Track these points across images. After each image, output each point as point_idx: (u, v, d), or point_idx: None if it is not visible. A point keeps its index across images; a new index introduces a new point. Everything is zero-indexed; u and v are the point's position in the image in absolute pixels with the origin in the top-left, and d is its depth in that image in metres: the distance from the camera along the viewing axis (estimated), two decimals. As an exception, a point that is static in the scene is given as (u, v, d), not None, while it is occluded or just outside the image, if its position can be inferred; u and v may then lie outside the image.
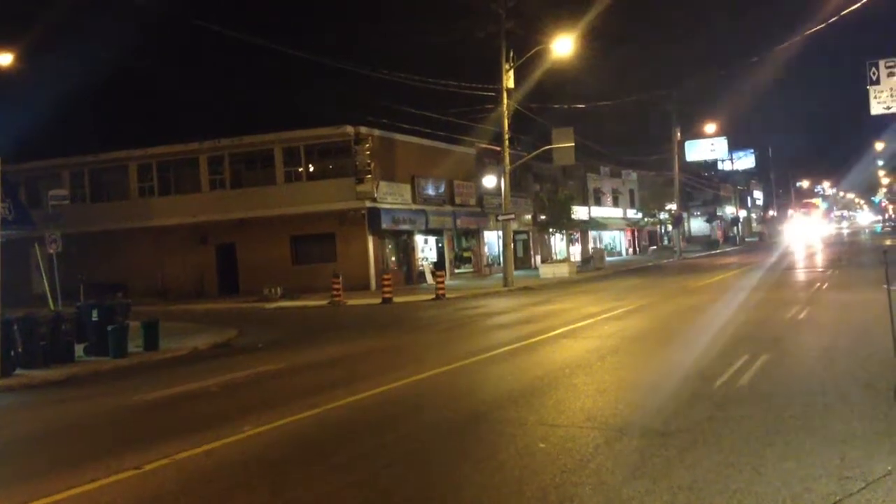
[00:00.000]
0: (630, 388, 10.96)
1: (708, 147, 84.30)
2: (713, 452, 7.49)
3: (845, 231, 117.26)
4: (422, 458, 8.08)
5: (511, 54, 34.97)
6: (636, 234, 75.60)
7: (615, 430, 8.49)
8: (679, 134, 63.98)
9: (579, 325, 18.91)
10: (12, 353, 15.04)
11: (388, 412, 10.30)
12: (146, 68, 47.48)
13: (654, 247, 71.26)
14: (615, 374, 12.23)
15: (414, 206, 40.95)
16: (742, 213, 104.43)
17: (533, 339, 16.47)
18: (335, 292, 30.54)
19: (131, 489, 7.50)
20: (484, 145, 44.33)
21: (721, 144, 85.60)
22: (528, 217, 52.59)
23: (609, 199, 69.91)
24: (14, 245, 23.97)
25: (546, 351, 15.17)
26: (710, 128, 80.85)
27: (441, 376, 12.71)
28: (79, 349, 16.99)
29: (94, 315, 17.36)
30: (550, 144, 36.44)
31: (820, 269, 34.74)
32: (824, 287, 25.44)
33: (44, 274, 21.95)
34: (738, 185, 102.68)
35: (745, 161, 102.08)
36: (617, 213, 70.73)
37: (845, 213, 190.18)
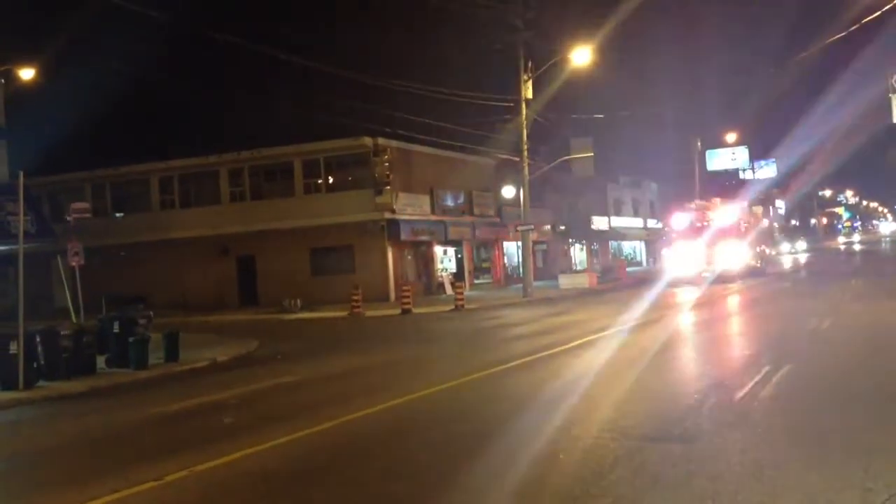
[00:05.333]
0: (650, 399, 10.88)
1: (729, 156, 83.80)
2: (734, 464, 7.42)
3: (856, 247, 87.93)
4: (437, 469, 8.05)
5: (529, 65, 34.96)
6: (657, 244, 75.19)
7: (635, 441, 8.43)
8: (699, 143, 63.64)
9: (599, 335, 18.80)
10: (35, 365, 15.14)
11: (405, 423, 10.29)
12: (166, 81, 47.79)
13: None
14: (635, 384, 12.13)
15: (433, 217, 40.93)
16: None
17: (552, 350, 16.40)
18: (354, 304, 30.60)
19: (152, 501, 7.54)
20: (503, 156, 44.27)
21: (742, 153, 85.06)
22: (548, 227, 52.44)
23: (629, 209, 69.59)
24: (36, 258, 24.19)
25: (565, 361, 15.10)
26: (730, 137, 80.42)
27: (459, 387, 12.68)
28: (100, 361, 17.06)
29: (116, 327, 17.44)
30: (570, 155, 36.40)
31: (843, 278, 34.36)
32: (847, 297, 25.20)
33: (66, 287, 22.10)
34: (759, 194, 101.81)
35: (767, 170, 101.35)
36: (637, 223, 70.39)
37: (857, 223, 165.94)
